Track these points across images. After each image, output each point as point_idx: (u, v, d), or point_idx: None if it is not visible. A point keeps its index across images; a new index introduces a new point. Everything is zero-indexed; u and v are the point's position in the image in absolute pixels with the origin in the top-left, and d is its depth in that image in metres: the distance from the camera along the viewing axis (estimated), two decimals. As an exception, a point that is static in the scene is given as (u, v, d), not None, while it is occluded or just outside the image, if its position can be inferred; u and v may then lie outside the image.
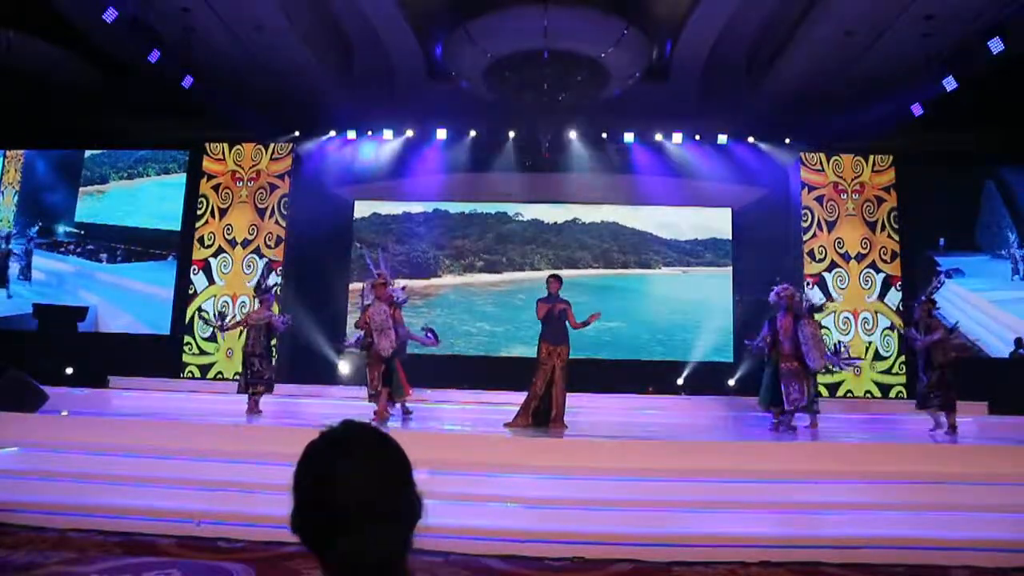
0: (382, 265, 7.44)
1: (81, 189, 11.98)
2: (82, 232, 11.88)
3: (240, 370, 8.03)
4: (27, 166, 12.18)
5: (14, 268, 11.91)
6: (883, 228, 10.91)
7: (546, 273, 8.13)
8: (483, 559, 3.98)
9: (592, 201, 12.12)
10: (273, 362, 8.13)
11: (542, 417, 6.79)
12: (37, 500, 4.58)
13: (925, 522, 4.38)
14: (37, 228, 11.95)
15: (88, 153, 12.13)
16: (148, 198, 11.82)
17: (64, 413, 6.79)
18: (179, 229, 11.58)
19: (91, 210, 11.90)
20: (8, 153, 12.20)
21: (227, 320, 8.68)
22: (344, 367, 11.23)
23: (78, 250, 11.86)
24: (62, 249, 11.89)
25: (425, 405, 8.96)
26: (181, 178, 11.77)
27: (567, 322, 6.89)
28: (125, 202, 11.85)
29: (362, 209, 12.26)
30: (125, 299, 11.50)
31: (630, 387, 10.15)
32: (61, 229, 11.95)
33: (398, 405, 7.48)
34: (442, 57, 10.14)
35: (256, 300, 8.38)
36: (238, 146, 11.46)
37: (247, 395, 7.72)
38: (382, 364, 6.99)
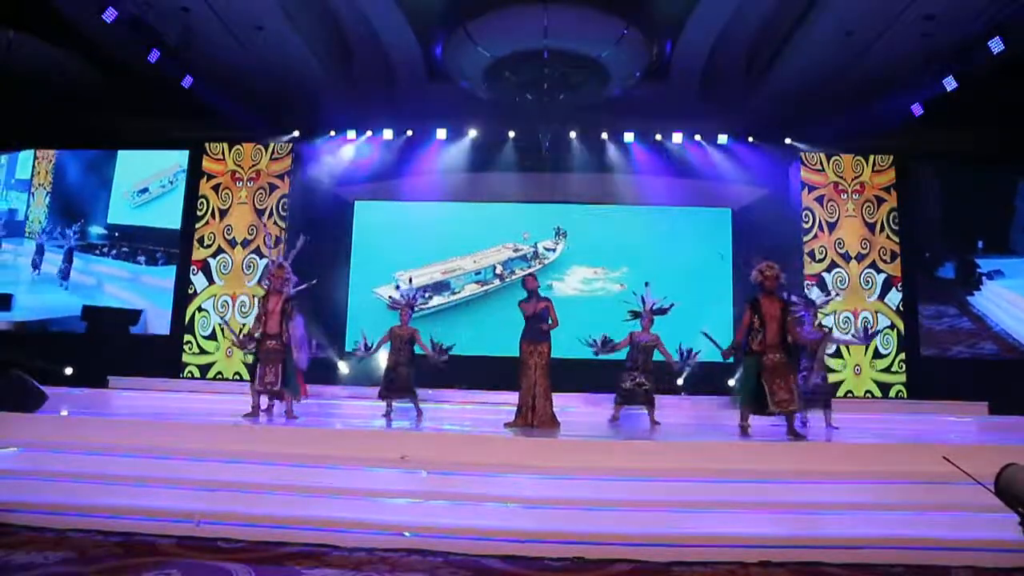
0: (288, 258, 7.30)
1: (113, 191, 11.84)
2: (116, 234, 11.77)
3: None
4: (58, 167, 12.04)
5: (50, 269, 11.79)
6: (883, 228, 10.92)
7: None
8: (483, 559, 3.98)
9: (592, 201, 12.10)
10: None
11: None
12: (37, 500, 4.58)
13: (925, 522, 4.38)
14: (77, 228, 11.81)
15: (121, 153, 11.93)
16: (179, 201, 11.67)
17: (64, 413, 6.79)
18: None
19: (125, 211, 11.78)
20: (39, 153, 12.12)
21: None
22: (344, 368, 11.22)
23: (113, 252, 11.73)
24: (97, 251, 11.79)
25: (425, 405, 8.98)
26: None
27: (547, 320, 6.87)
28: (161, 203, 11.74)
29: (362, 209, 12.24)
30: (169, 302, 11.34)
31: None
32: (94, 231, 11.83)
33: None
34: (442, 57, 10.12)
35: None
36: (238, 146, 11.47)
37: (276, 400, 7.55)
38: (280, 362, 6.88)
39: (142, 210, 11.74)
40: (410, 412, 7.86)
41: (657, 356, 7.84)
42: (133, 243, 11.66)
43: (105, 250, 11.74)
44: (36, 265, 11.80)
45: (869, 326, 8.90)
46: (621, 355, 7.96)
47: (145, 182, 11.78)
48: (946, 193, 11.15)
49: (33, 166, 12.10)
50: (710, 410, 9.00)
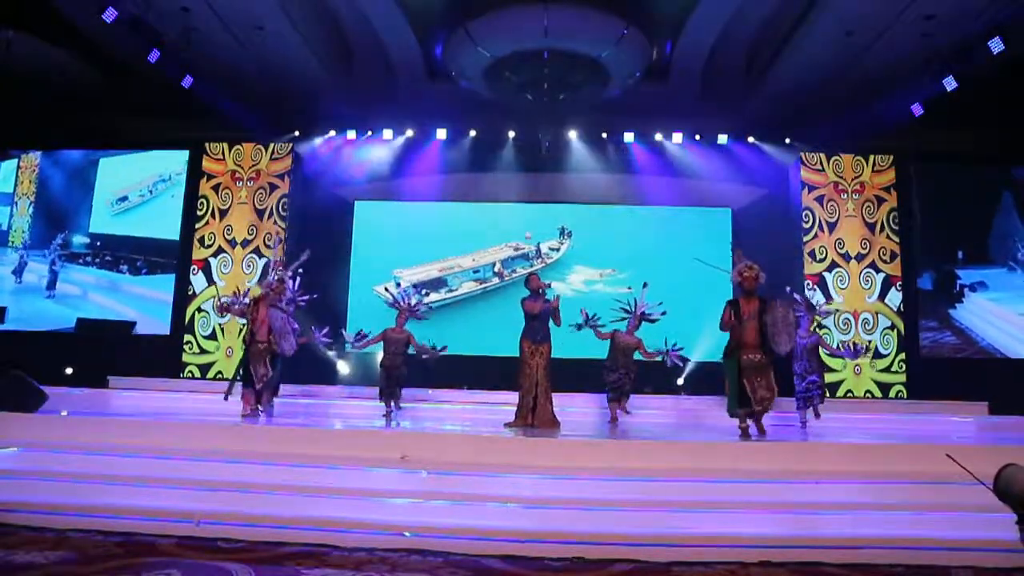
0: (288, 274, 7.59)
1: (95, 199, 11.82)
2: (98, 243, 11.75)
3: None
4: (41, 176, 12.03)
5: (32, 278, 11.75)
6: (883, 228, 10.92)
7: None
8: (483, 559, 3.97)
9: (592, 201, 12.10)
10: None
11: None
12: (37, 500, 4.57)
13: (925, 522, 4.38)
14: (61, 239, 11.77)
15: (102, 161, 11.93)
16: (165, 208, 11.63)
17: (64, 413, 6.79)
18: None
19: (107, 220, 11.76)
20: (22, 163, 12.09)
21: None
22: (344, 367, 11.22)
23: (96, 261, 11.71)
24: (80, 260, 11.77)
25: (425, 405, 8.98)
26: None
27: (550, 320, 6.87)
28: (142, 212, 11.72)
29: (362, 209, 12.24)
30: (158, 310, 11.34)
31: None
32: (77, 240, 11.81)
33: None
34: (442, 57, 10.13)
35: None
36: (238, 146, 11.46)
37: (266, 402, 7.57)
38: (269, 356, 7.14)
39: (122, 219, 11.75)
40: (408, 412, 7.90)
41: (638, 355, 7.97)
42: (115, 252, 11.66)
43: (88, 259, 11.74)
44: (19, 274, 11.79)
45: (861, 346, 9.10)
46: (603, 353, 8.02)
47: (125, 190, 11.78)
48: (942, 193, 11.12)
49: (16, 176, 12.08)
50: (710, 410, 9.01)
